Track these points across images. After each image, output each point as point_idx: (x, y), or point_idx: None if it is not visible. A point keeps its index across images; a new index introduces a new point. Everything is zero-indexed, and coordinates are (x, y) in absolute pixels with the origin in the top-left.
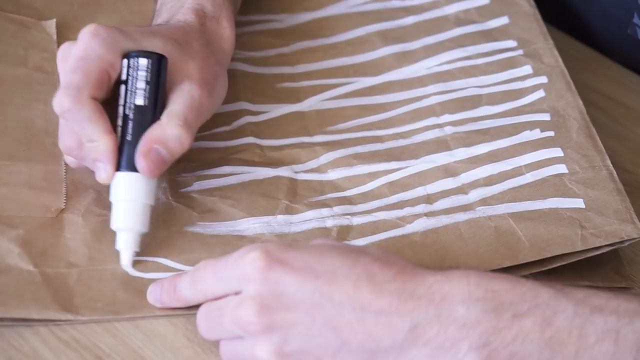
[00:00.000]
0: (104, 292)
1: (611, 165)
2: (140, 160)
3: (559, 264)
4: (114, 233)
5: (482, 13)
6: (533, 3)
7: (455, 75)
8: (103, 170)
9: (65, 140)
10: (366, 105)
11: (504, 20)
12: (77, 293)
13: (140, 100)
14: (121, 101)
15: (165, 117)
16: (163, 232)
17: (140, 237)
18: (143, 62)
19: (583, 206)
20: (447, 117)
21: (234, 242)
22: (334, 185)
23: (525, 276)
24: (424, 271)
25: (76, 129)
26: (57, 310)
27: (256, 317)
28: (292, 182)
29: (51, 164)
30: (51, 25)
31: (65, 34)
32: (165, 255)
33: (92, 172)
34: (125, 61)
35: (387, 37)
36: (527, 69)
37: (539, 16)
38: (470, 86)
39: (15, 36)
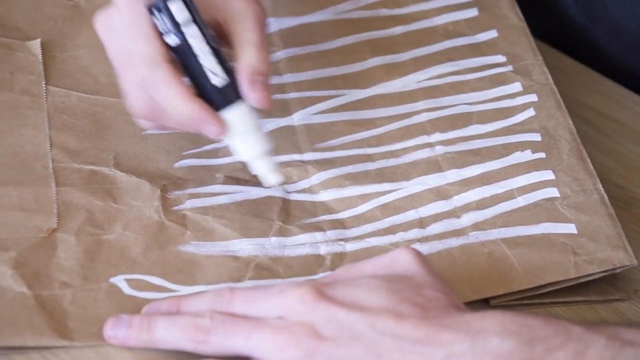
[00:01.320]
0: (99, 315)
1: (602, 189)
2: (250, 94)
3: (551, 289)
4: (107, 251)
5: (471, 25)
6: (522, 17)
7: (446, 91)
8: (216, 129)
9: (139, 106)
10: (356, 121)
11: (492, 34)
12: (72, 316)
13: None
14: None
15: (245, 46)
16: (157, 251)
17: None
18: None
19: (575, 232)
20: (438, 136)
21: (228, 263)
22: (326, 207)
23: (519, 299)
24: (465, 310)
25: (157, 97)
26: (52, 336)
27: (299, 341)
28: (285, 202)
29: (42, 187)
30: (36, 45)
31: (52, 51)
32: (159, 274)
33: (84, 192)
34: (161, 14)
35: (377, 47)
36: (517, 86)
37: (527, 30)
38: (460, 103)
39: (0, 60)
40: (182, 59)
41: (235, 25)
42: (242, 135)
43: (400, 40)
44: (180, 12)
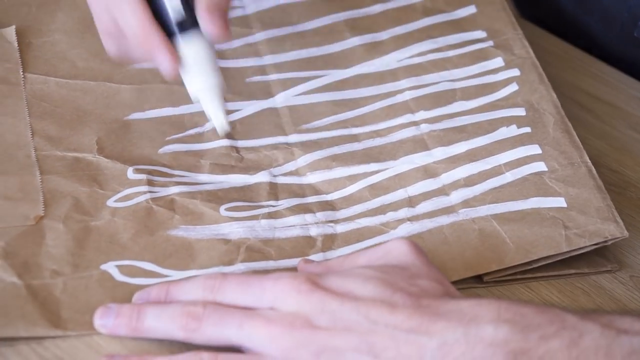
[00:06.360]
0: (91, 303)
1: (589, 161)
2: (208, 26)
3: (543, 263)
4: (96, 238)
5: (449, 2)
6: None
7: (427, 69)
8: (168, 60)
9: (104, 25)
10: (339, 101)
11: (471, 10)
12: (64, 305)
13: None
14: None
15: None
16: (146, 236)
17: (223, 93)
18: None
19: (565, 205)
20: (422, 114)
21: (219, 246)
22: (314, 189)
23: (511, 274)
24: (460, 297)
25: (117, 17)
26: (46, 326)
27: (293, 331)
28: (272, 186)
29: (25, 176)
30: (11, 32)
31: (27, 38)
32: (150, 260)
33: (69, 179)
34: None
35: (355, 27)
36: (498, 61)
37: (506, 5)
38: (443, 80)
39: None
40: None
41: None
42: (194, 67)
43: (378, 19)
44: None
